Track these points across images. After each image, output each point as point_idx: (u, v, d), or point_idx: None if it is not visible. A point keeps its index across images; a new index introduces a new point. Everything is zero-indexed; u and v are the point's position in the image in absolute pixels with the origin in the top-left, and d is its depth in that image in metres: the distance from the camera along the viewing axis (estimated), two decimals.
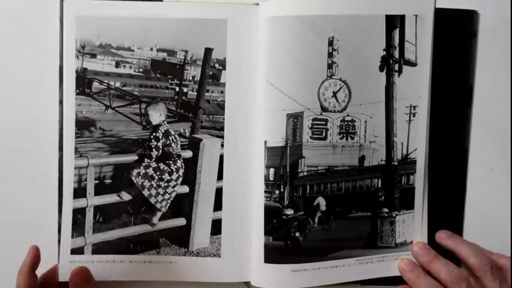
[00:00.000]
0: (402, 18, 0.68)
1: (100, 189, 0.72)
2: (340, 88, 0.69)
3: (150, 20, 0.69)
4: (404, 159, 0.70)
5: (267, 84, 0.68)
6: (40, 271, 0.68)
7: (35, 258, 0.67)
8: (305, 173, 0.70)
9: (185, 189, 0.75)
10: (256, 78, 0.69)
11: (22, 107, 0.73)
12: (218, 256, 0.72)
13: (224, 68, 0.69)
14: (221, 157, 0.71)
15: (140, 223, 0.73)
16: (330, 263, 0.70)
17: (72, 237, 0.70)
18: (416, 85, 0.69)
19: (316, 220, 0.70)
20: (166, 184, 0.74)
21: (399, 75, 0.69)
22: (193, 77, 0.68)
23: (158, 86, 0.72)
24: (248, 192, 0.70)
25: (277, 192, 0.69)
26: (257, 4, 0.68)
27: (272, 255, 0.69)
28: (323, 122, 0.69)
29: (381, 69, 0.69)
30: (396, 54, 0.69)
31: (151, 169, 0.73)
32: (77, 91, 0.70)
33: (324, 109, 0.69)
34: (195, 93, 0.69)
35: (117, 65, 0.71)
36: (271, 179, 0.69)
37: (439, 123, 0.71)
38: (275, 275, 0.69)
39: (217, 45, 0.69)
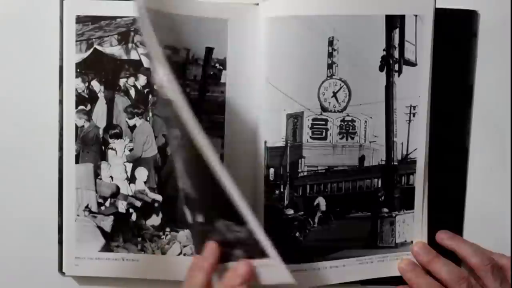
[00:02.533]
0: (402, 18, 0.68)
1: None
2: (340, 88, 0.69)
3: None
4: (404, 159, 0.70)
5: (267, 84, 0.68)
6: None
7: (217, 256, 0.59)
8: (305, 173, 0.70)
9: None
10: (256, 78, 0.69)
11: (22, 107, 0.73)
12: None
13: (225, 68, 0.69)
14: (221, 157, 0.71)
15: None
16: (330, 263, 0.70)
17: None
18: (416, 85, 0.69)
19: (316, 220, 0.70)
20: None
21: (399, 75, 0.69)
22: (195, 76, 0.68)
23: None
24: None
25: (277, 192, 0.69)
26: (257, 4, 0.68)
27: None
28: (323, 122, 0.69)
29: (381, 69, 0.69)
30: (396, 54, 0.69)
31: None
32: None
33: (324, 109, 0.69)
34: (196, 93, 0.69)
35: None
36: (271, 179, 0.69)
37: (439, 123, 0.71)
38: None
39: (217, 44, 0.68)
